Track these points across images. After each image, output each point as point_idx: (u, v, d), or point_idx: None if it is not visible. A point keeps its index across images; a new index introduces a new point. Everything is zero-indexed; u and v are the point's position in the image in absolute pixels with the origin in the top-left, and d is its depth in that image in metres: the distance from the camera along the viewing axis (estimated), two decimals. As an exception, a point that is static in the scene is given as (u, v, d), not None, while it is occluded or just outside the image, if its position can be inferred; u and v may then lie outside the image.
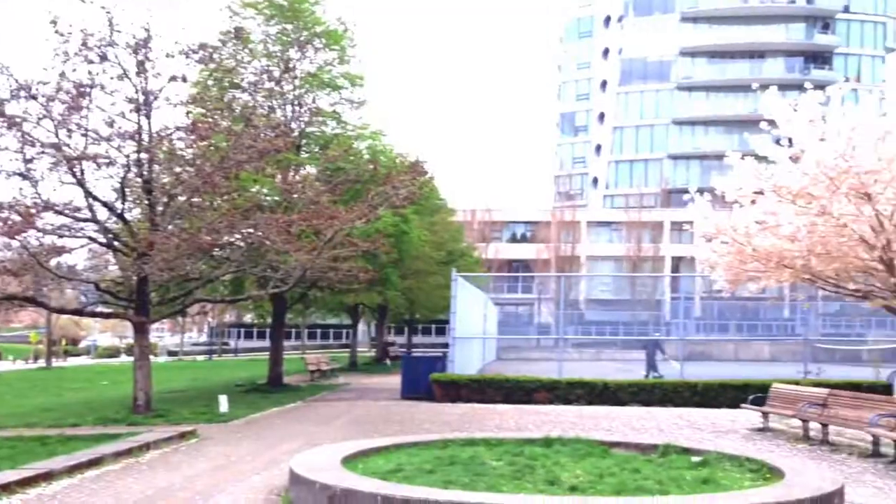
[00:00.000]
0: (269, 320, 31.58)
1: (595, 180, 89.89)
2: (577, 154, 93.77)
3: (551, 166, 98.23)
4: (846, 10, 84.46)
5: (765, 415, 16.06)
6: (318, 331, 73.14)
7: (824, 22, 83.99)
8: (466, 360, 25.75)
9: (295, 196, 20.61)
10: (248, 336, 72.24)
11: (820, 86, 16.21)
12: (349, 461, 9.95)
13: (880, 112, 14.92)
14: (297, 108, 25.54)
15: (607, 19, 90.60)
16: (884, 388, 19.72)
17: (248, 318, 58.36)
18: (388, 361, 44.30)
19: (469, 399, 21.27)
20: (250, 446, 13.54)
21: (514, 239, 79.95)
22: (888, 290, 15.45)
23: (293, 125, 25.07)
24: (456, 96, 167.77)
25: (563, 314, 31.49)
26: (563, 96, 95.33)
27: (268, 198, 22.19)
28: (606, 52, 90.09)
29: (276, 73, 22.36)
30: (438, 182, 41.04)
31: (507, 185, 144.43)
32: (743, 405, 17.11)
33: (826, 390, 14.90)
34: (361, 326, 58.37)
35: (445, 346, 25.24)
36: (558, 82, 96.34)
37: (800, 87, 16.13)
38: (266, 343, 41.24)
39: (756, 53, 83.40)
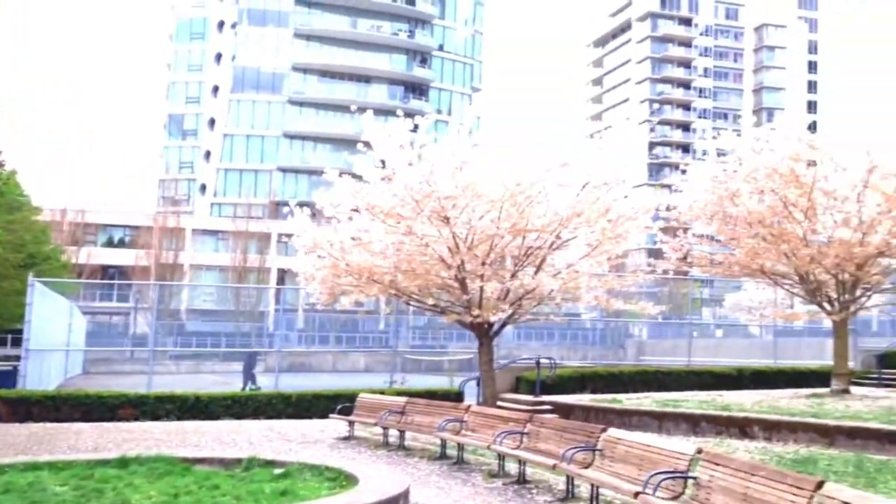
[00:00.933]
0: None
1: (203, 187, 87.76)
2: (184, 158, 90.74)
3: (157, 169, 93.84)
4: (441, 48, 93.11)
5: (351, 423, 16.69)
6: None
7: (423, 56, 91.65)
8: (44, 375, 23.37)
9: None
10: None
11: (416, 114, 17.52)
12: None
13: (462, 144, 16.56)
14: None
15: (221, 24, 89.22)
16: (456, 396, 21.61)
17: None
18: (-53, 377, 38.59)
19: (43, 418, 19.11)
20: None
21: (110, 243, 74.64)
22: (461, 306, 17.10)
23: None
24: (54, 83, 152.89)
25: (158, 324, 30.09)
26: (173, 97, 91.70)
27: None
28: (219, 56, 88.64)
29: None
30: (22, 177, 37.12)
31: (108, 185, 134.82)
32: (331, 415, 17.63)
33: (405, 399, 15.91)
34: (-85, 337, 50.19)
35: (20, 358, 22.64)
36: (168, 81, 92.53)
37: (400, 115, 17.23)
38: None
39: (363, 78, 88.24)
